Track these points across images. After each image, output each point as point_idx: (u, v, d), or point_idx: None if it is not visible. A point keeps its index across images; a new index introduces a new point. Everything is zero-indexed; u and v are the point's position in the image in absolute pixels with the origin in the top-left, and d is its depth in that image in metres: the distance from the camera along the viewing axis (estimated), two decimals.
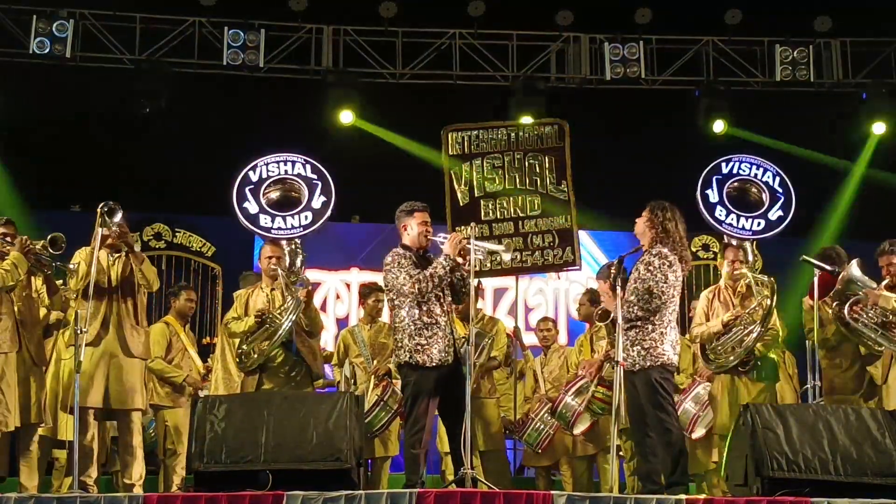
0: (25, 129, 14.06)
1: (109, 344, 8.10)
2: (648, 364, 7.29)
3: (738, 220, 9.05)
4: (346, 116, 14.34)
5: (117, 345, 8.11)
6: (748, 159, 9.12)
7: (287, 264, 9.15)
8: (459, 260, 7.82)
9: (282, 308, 8.74)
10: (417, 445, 7.75)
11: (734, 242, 9.00)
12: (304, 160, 9.38)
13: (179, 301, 10.14)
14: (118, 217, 7.93)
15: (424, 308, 7.77)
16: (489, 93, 14.95)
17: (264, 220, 9.20)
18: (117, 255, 8.26)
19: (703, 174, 9.10)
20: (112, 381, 8.06)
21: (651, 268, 7.41)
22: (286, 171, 9.32)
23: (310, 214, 9.26)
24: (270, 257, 9.05)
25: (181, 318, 10.16)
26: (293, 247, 9.36)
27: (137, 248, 8.33)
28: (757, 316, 8.30)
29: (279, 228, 9.23)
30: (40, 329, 8.18)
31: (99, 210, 7.80)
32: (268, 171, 9.22)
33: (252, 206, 9.21)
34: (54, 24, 13.77)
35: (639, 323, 7.35)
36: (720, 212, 9.01)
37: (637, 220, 7.70)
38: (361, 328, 10.13)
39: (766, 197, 9.09)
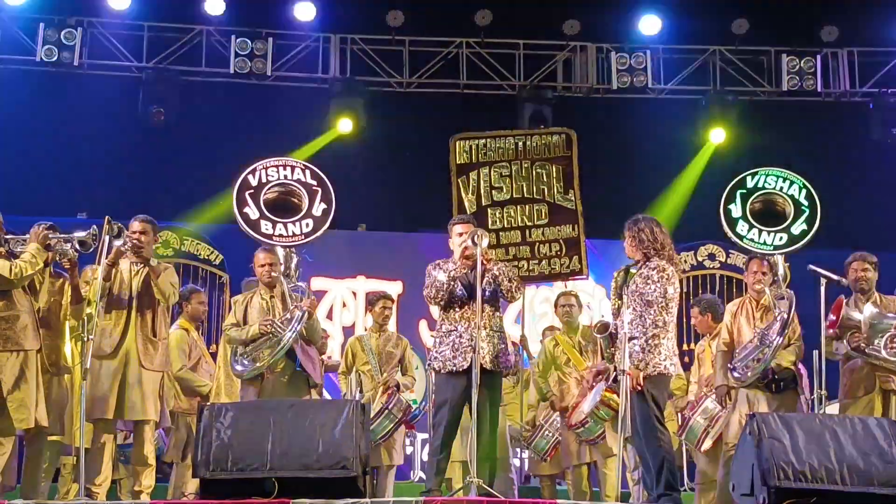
0: (33, 135, 14.10)
1: (126, 355, 8.06)
2: (647, 374, 7.32)
3: (759, 235, 8.98)
4: (346, 125, 14.42)
5: (133, 356, 8.07)
6: (774, 172, 9.05)
7: (283, 269, 9.05)
8: (454, 266, 7.85)
9: (284, 318, 8.68)
10: (434, 452, 7.81)
11: (760, 255, 8.92)
12: (304, 165, 9.25)
13: (191, 305, 10.04)
14: (121, 241, 7.89)
15: (446, 314, 7.86)
16: (496, 101, 14.99)
17: (265, 227, 9.11)
18: (140, 266, 8.23)
19: (728, 188, 9.03)
20: (127, 392, 8.04)
21: (649, 281, 7.43)
22: (286, 177, 9.22)
23: (311, 222, 9.16)
24: (264, 265, 8.90)
25: (194, 321, 10.08)
26: (288, 251, 9.29)
27: (154, 262, 8.28)
28: (774, 331, 8.29)
29: (280, 235, 9.13)
30: (62, 337, 8.14)
31: (105, 227, 7.74)
32: (267, 175, 9.13)
33: (252, 212, 9.13)
34: (62, 32, 13.83)
35: (637, 334, 7.37)
36: (742, 227, 8.94)
37: (625, 245, 7.73)
38: (370, 336, 10.12)
39: (790, 210, 9.02)
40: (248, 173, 9.29)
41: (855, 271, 8.56)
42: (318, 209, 9.31)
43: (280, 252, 9.19)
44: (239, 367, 8.69)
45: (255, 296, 8.94)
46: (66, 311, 8.13)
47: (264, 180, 9.28)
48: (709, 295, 11.49)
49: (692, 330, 11.29)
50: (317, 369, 8.95)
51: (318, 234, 9.34)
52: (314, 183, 9.38)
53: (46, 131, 14.09)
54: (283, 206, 9.37)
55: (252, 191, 9.23)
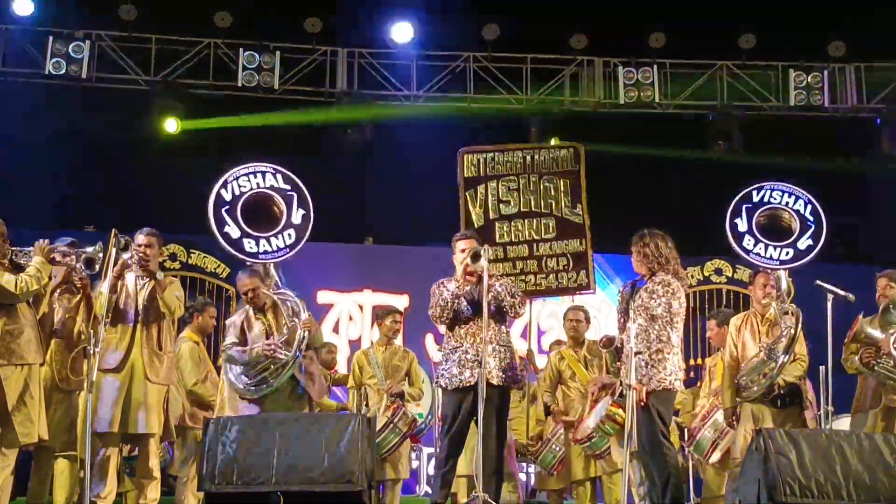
0: (41, 148, 14.12)
1: (131, 369, 8.05)
2: (650, 389, 7.31)
3: (765, 250, 8.98)
4: (352, 136, 14.44)
5: (139, 370, 8.05)
6: (780, 187, 9.05)
7: (268, 284, 8.97)
8: (457, 283, 7.86)
9: (283, 340, 8.59)
10: (439, 466, 7.83)
11: (764, 269, 8.91)
12: (275, 170, 9.02)
13: (203, 317, 9.92)
14: (128, 254, 7.89)
15: (452, 331, 7.86)
16: (503, 115, 15.00)
17: (249, 245, 8.95)
18: (146, 279, 8.22)
19: (733, 202, 9.04)
20: (132, 405, 8.03)
21: (654, 295, 7.43)
22: (258, 184, 9.04)
23: (293, 232, 9.02)
24: (247, 292, 8.84)
25: (201, 334, 10.03)
26: (265, 265, 9.19)
27: (160, 275, 8.27)
28: (781, 346, 8.28)
29: (265, 253, 8.97)
30: (75, 352, 8.11)
31: (112, 240, 7.72)
32: (239, 186, 8.95)
33: (234, 231, 8.92)
34: (70, 46, 13.88)
35: (642, 349, 7.36)
36: (748, 241, 8.93)
37: (632, 260, 7.74)
38: (376, 350, 10.10)
39: (796, 225, 9.01)
40: (220, 188, 9.15)
41: (878, 288, 8.57)
42: (297, 216, 9.17)
43: (259, 267, 9.13)
44: (240, 387, 8.67)
45: (247, 313, 8.91)
46: (79, 328, 8.12)
47: (237, 192, 9.16)
48: (727, 309, 11.49)
49: (699, 345, 11.32)
50: (316, 386, 8.93)
51: (303, 243, 9.22)
52: (288, 187, 9.23)
53: (54, 144, 14.11)
54: (261, 211, 9.23)
55: (228, 206, 9.09)
